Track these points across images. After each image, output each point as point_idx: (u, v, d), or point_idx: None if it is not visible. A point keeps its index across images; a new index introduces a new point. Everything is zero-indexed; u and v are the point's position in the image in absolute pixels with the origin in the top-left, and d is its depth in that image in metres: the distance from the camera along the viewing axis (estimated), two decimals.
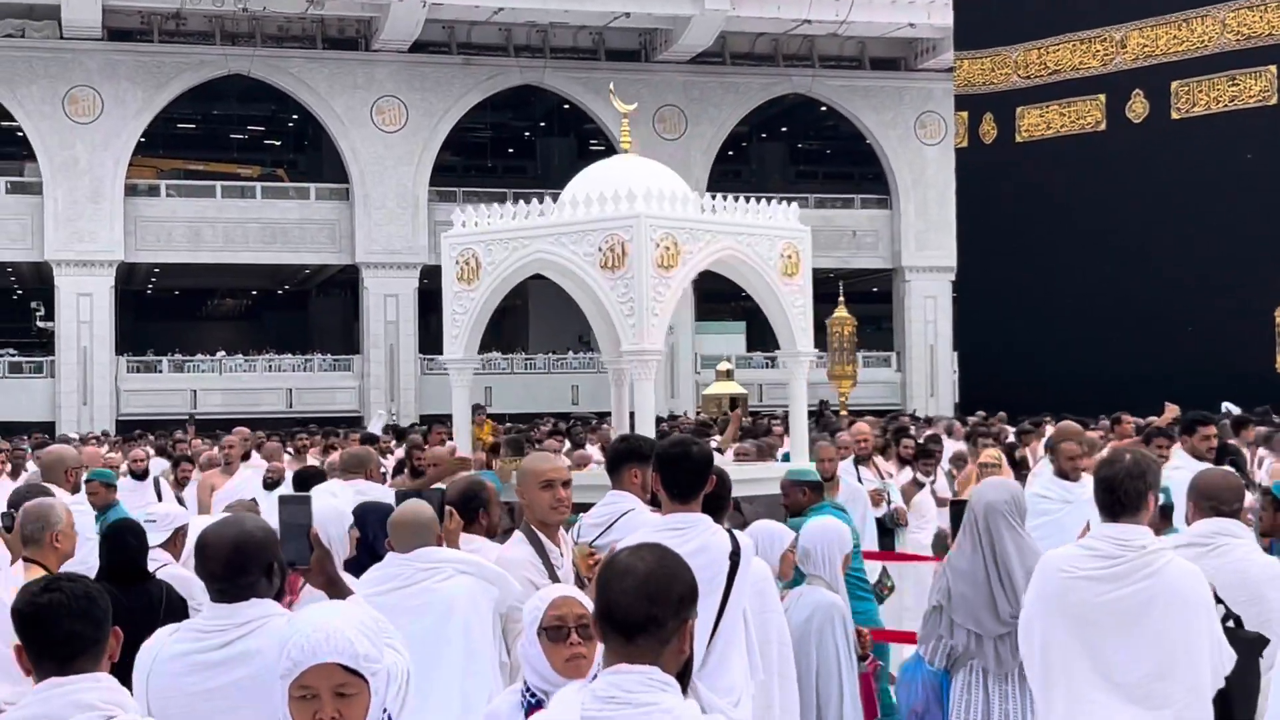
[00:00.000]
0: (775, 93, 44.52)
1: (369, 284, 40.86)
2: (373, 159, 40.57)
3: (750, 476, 8.65)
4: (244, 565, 3.47)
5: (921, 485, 11.48)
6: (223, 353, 42.41)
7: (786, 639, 5.39)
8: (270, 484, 10.86)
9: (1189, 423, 9.15)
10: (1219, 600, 4.75)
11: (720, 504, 5.18)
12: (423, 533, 4.83)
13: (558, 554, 5.22)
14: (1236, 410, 16.31)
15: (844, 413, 24.26)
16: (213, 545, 3.51)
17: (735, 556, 4.67)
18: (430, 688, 4.43)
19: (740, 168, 49.93)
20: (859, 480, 10.76)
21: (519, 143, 49.12)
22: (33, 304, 45.66)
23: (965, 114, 30.37)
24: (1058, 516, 7.81)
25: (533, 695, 3.48)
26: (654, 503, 5.26)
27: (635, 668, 2.65)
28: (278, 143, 48.49)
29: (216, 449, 13.23)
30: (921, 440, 13.05)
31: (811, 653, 5.66)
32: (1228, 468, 7.53)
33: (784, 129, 50.44)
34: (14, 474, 13.38)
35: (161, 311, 49.91)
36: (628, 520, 5.35)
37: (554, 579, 5.07)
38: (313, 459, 14.03)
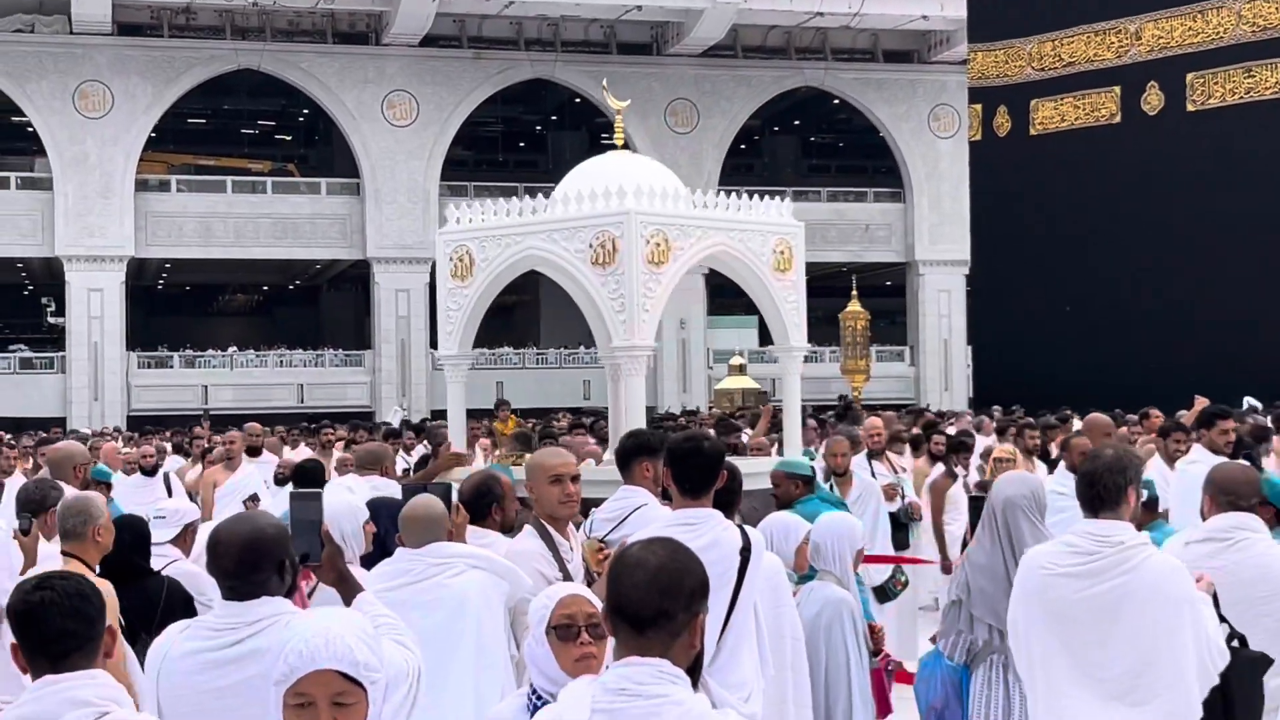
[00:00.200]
0: (787, 86, 44.43)
1: (380, 279, 40.86)
2: (383, 153, 40.56)
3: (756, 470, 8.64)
4: (256, 563, 3.47)
5: (955, 478, 11.42)
6: (234, 348, 42.45)
7: (799, 634, 5.39)
8: (281, 479, 10.82)
9: (1208, 416, 9.10)
10: (1222, 619, 4.72)
11: (731, 499, 5.21)
12: (433, 528, 4.83)
13: (567, 548, 5.23)
14: (1259, 405, 16.22)
15: (858, 406, 24.16)
16: (225, 543, 3.52)
17: (746, 552, 4.67)
18: (443, 683, 4.45)
19: (753, 161, 49.85)
20: (872, 474, 10.72)
21: (530, 137, 49.09)
22: (43, 300, 45.74)
23: (979, 106, 30.25)
24: (1074, 512, 7.74)
25: (539, 698, 3.34)
26: (665, 497, 5.23)
27: (645, 660, 2.65)
28: (288, 137, 48.53)
29: (221, 445, 13.19)
30: (953, 434, 12.99)
31: (821, 648, 5.67)
32: (1243, 461, 7.47)
33: (796, 122, 50.35)
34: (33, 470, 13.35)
35: (172, 307, 49.99)
36: (640, 515, 5.36)
37: (564, 572, 5.06)
38: (338, 454, 14.08)
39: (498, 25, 41.42)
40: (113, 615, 5.01)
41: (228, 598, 3.51)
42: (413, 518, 4.85)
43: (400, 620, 3.90)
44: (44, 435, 21.38)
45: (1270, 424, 12.79)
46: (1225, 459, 7.76)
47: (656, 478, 5.47)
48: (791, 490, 7.27)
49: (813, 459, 9.52)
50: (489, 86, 41.86)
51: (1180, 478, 8.47)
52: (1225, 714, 4.57)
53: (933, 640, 5.79)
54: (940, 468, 11.63)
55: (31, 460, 14.15)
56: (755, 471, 8.24)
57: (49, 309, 44.93)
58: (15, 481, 10.38)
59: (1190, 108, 26.50)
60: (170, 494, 11.36)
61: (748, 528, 4.90)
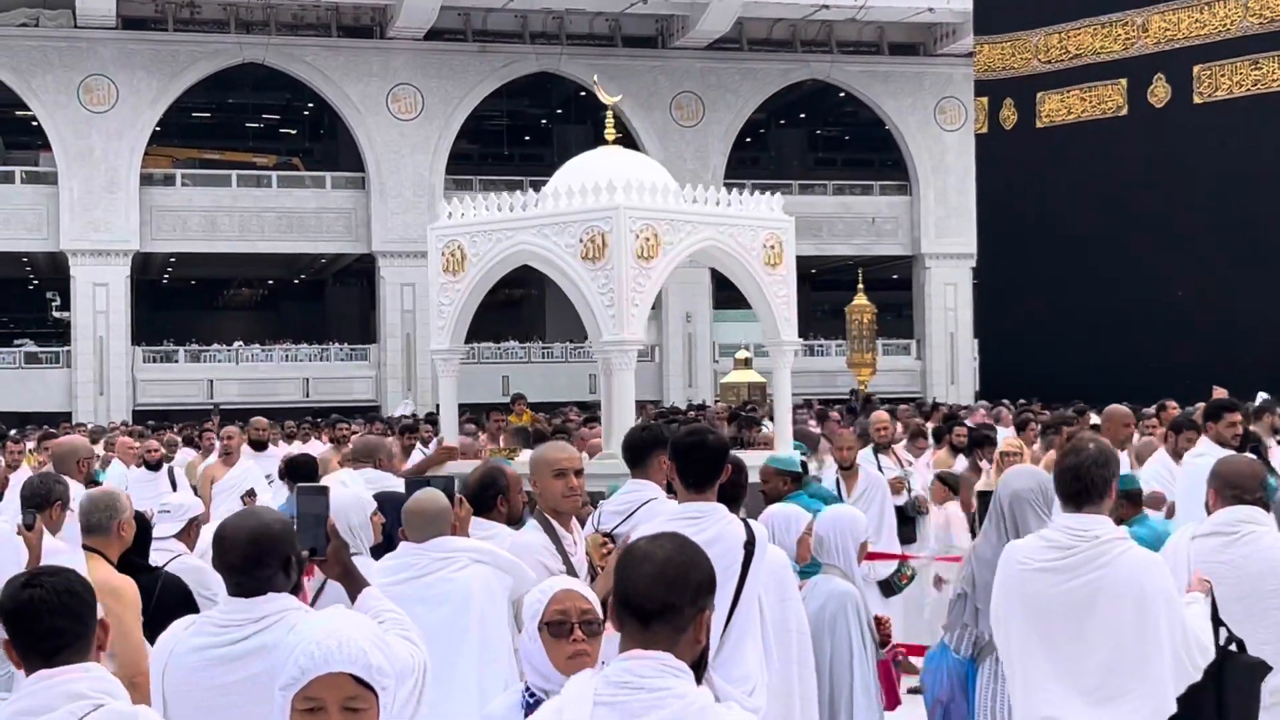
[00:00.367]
0: (793, 79, 44.36)
1: (385, 273, 40.85)
2: (388, 147, 40.54)
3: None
4: (261, 558, 3.47)
5: (980, 472, 11.38)
6: (239, 342, 42.47)
7: (805, 627, 5.39)
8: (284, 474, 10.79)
9: (1215, 409, 9.06)
10: (1220, 622, 4.70)
11: (736, 493, 5.21)
12: (437, 522, 4.83)
13: (570, 541, 5.24)
14: (1271, 399, 16.16)
15: (876, 399, 24.13)
16: (230, 538, 3.51)
17: (750, 546, 4.67)
18: (449, 677, 4.45)
19: (758, 154, 49.80)
20: (879, 468, 10.71)
21: (535, 130, 49.06)
22: (49, 294, 45.78)
23: (985, 99, 30.19)
24: None
25: (532, 695, 3.30)
26: (670, 491, 5.22)
27: (648, 653, 2.65)
28: (293, 131, 48.52)
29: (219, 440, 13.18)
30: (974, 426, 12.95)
31: (825, 641, 5.67)
32: (1249, 455, 7.45)
33: (802, 115, 50.29)
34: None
35: (177, 301, 50.01)
36: (649, 509, 5.36)
37: (568, 565, 5.05)
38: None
39: (503, 18, 41.37)
40: (135, 611, 5.02)
41: (233, 594, 3.51)
42: (416, 512, 4.84)
43: (406, 615, 3.89)
44: (49, 430, 21.38)
45: None
46: (1232, 452, 7.74)
47: None
48: (780, 486, 7.26)
49: (804, 454, 9.52)
50: (494, 80, 41.83)
51: (1187, 471, 8.43)
52: (1218, 717, 4.55)
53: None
54: (963, 461, 11.57)
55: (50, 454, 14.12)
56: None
57: (54, 303, 44.96)
58: (20, 476, 10.39)
59: (1197, 100, 26.43)
60: (175, 488, 11.37)
61: (752, 522, 4.90)
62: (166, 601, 5.24)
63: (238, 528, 3.54)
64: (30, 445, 15.92)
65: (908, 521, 10.95)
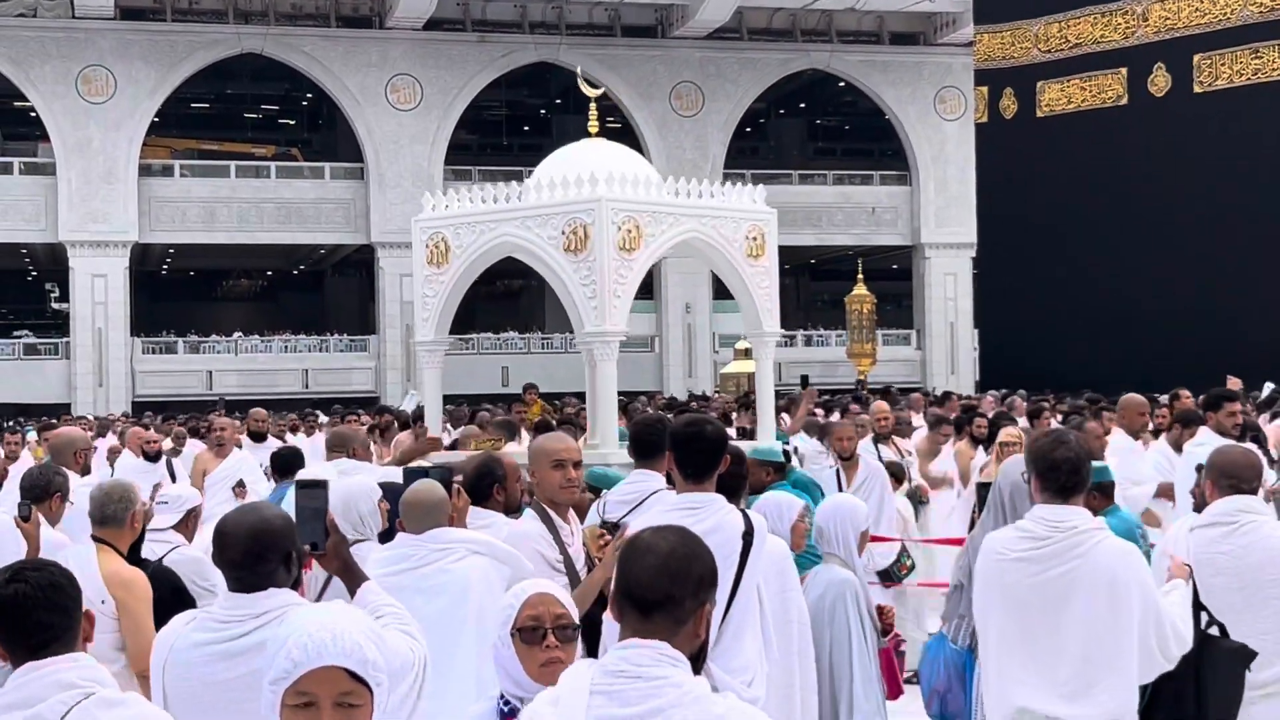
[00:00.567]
0: (793, 68, 44.31)
1: (384, 264, 40.82)
2: (387, 138, 40.50)
3: None
4: (262, 554, 3.46)
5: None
6: (238, 334, 42.46)
7: (806, 618, 5.39)
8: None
9: (1215, 399, 9.06)
10: (1202, 607, 4.72)
11: (737, 484, 5.19)
12: (435, 513, 4.81)
13: (568, 532, 5.23)
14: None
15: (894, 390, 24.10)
16: (231, 534, 3.50)
17: (749, 536, 4.66)
18: (447, 669, 4.43)
19: (758, 144, 49.75)
20: (879, 459, 10.69)
21: (534, 120, 49.00)
22: (47, 285, 45.78)
23: (985, 89, 30.14)
24: None
25: (507, 703, 3.17)
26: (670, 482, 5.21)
27: (646, 642, 2.64)
28: (292, 122, 48.49)
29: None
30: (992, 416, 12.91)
31: (825, 630, 5.66)
32: (1247, 444, 7.44)
33: (802, 105, 50.25)
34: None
35: (176, 292, 50.00)
36: (657, 499, 5.36)
37: (565, 555, 5.04)
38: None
39: (502, 8, 41.32)
40: (146, 603, 5.02)
41: (234, 589, 3.50)
42: (414, 503, 4.83)
43: (405, 609, 3.88)
44: (49, 421, 21.40)
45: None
46: (1233, 442, 7.73)
47: None
48: (762, 477, 7.24)
49: (785, 442, 9.59)
50: (493, 70, 41.77)
51: (1188, 461, 8.42)
52: (1197, 702, 4.55)
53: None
54: (983, 454, 11.52)
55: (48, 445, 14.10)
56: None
57: (53, 295, 44.97)
58: (19, 468, 10.39)
59: (1197, 89, 26.39)
60: (174, 479, 11.35)
61: (751, 512, 4.90)
62: (158, 594, 5.23)
63: (238, 523, 3.52)
64: (33, 437, 15.94)
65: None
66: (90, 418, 27.18)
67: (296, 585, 3.65)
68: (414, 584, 4.58)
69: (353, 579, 4.05)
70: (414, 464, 6.35)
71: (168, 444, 13.63)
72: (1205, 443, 8.12)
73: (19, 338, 41.05)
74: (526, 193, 9.16)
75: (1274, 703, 5.02)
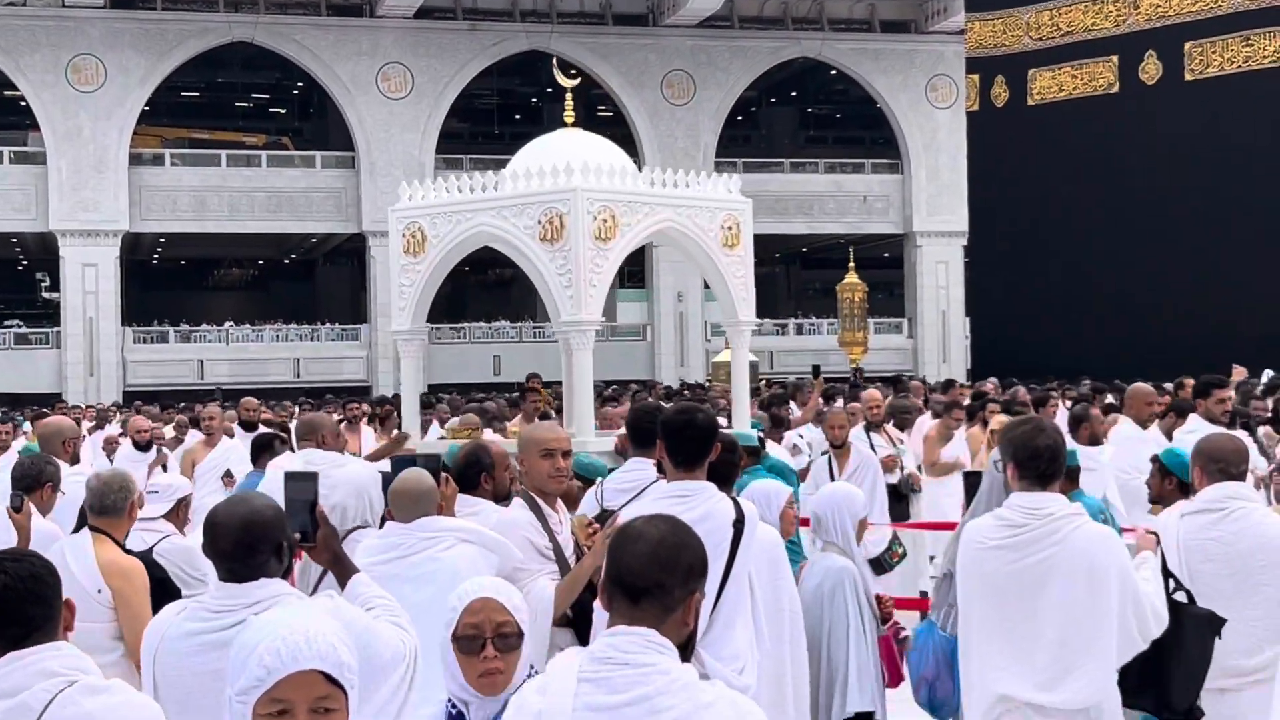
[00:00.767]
0: (784, 56, 44.25)
1: (375, 252, 40.70)
2: (378, 126, 40.41)
3: None
4: (253, 545, 3.46)
5: None
6: (230, 323, 42.38)
7: (797, 606, 5.38)
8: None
9: (1204, 386, 9.06)
10: (1168, 574, 4.76)
11: (729, 472, 5.18)
12: (423, 502, 4.81)
13: (556, 520, 5.22)
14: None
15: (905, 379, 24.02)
16: (222, 525, 3.50)
17: (740, 524, 4.66)
18: (436, 657, 4.36)
19: (750, 133, 49.70)
20: (871, 447, 10.70)
21: (525, 109, 48.91)
22: (38, 275, 45.62)
23: (976, 77, 30.14)
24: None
25: (454, 707, 3.05)
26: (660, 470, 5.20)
27: (634, 630, 2.64)
28: (283, 111, 48.36)
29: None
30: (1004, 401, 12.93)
31: (824, 617, 5.65)
32: (1235, 431, 7.47)
33: (794, 93, 50.19)
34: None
35: (167, 282, 49.90)
36: (655, 488, 5.31)
37: (554, 543, 5.04)
38: (367, 428, 14.21)
39: None
40: (144, 593, 5.01)
41: (225, 579, 3.50)
42: (402, 492, 4.83)
43: (395, 601, 3.88)
44: (41, 411, 21.35)
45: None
46: (1223, 429, 7.75)
47: None
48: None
49: (760, 429, 9.62)
50: (484, 59, 41.68)
51: (1177, 447, 8.43)
52: (1163, 668, 4.57)
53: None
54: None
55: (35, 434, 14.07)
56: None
57: (43, 284, 44.82)
58: (9, 459, 10.35)
59: (1188, 77, 26.41)
60: (165, 469, 11.35)
61: (743, 500, 4.89)
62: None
63: (229, 514, 3.52)
64: (29, 428, 15.90)
65: (900, 499, 10.98)
66: (84, 406, 27.14)
67: (287, 575, 3.65)
68: (403, 572, 4.57)
69: (343, 571, 4.05)
70: (402, 452, 6.35)
71: (169, 432, 13.65)
72: (1195, 430, 8.13)
73: (10, 327, 40.93)
74: (503, 182, 9.20)
75: (1263, 689, 5.03)
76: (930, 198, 44.46)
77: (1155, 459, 6.15)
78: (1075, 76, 28.18)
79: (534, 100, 48.68)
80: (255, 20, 39.65)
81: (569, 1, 41.88)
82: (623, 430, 9.20)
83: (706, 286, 42.55)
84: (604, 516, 5.16)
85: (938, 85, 44.51)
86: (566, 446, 5.32)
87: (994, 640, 4.57)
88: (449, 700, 3.07)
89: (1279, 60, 25.38)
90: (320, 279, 51.59)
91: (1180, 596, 4.74)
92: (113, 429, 16.19)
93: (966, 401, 13.06)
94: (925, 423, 13.04)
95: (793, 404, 14.68)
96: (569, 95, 10.08)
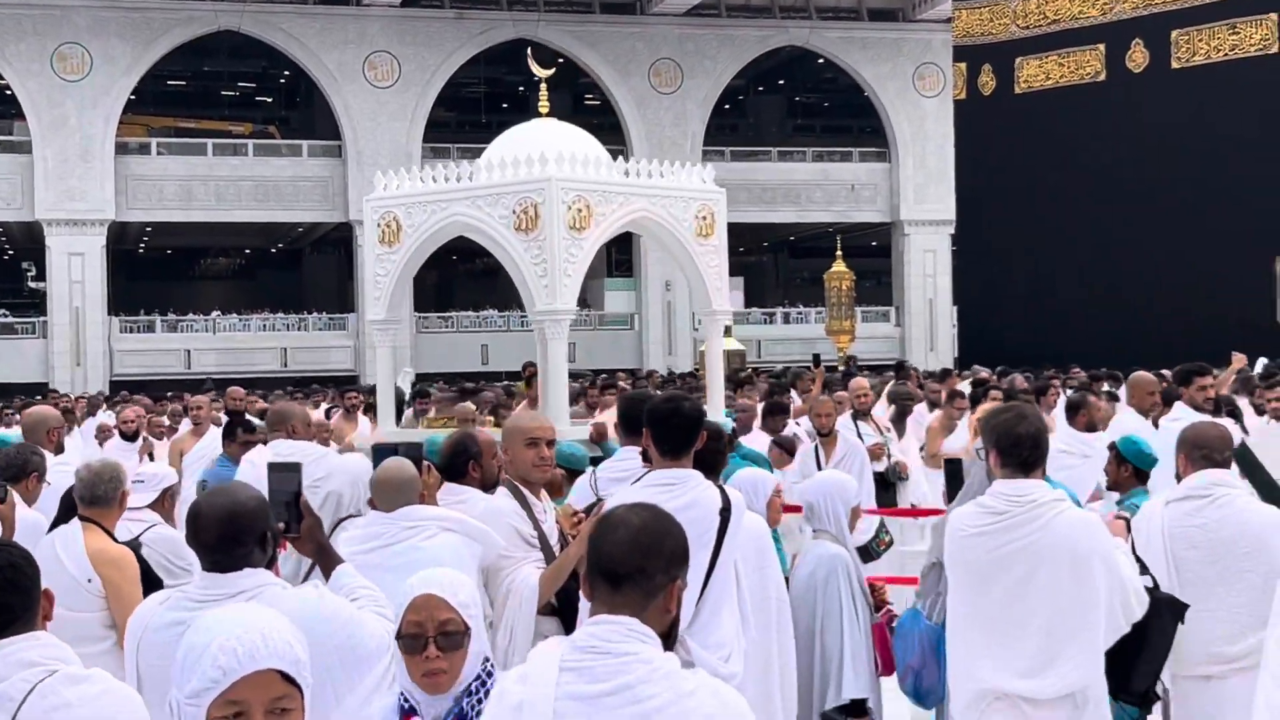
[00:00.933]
0: (772, 45, 44.20)
1: (363, 242, 40.59)
2: (365, 115, 40.30)
3: None
4: (237, 537, 3.46)
5: None
6: (217, 312, 42.28)
7: (784, 595, 5.39)
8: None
9: (1184, 374, 9.05)
10: (1136, 558, 4.78)
11: (715, 460, 5.17)
12: (405, 491, 4.80)
13: (540, 509, 5.22)
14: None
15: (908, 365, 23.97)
16: (205, 516, 3.49)
17: (726, 512, 4.66)
18: None
19: (737, 121, 49.65)
20: (859, 435, 10.71)
21: (513, 98, 48.78)
22: (24, 264, 45.49)
23: (964, 65, 30.16)
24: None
25: (407, 701, 2.98)
26: (646, 459, 5.20)
27: (615, 618, 2.63)
28: (269, 99, 48.16)
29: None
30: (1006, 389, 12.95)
31: (817, 604, 5.66)
32: (1218, 419, 7.48)
33: (781, 82, 50.14)
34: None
35: (154, 271, 49.72)
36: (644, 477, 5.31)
37: (539, 531, 5.03)
38: (364, 418, 14.22)
39: None
40: (135, 581, 5.00)
41: (209, 570, 3.49)
42: (384, 481, 4.82)
43: (380, 591, 3.87)
44: (29, 400, 21.31)
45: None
46: (1206, 417, 7.77)
47: None
48: None
49: (733, 417, 9.68)
50: (471, 47, 41.57)
51: (1163, 435, 8.44)
52: (1125, 652, 4.59)
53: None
54: None
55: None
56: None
57: (29, 273, 44.68)
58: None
59: (1175, 65, 26.44)
60: (152, 459, 11.32)
61: (729, 488, 4.89)
62: None
63: (211, 506, 3.51)
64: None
65: (888, 487, 10.98)
66: (75, 397, 27.06)
67: (271, 565, 3.64)
68: (385, 562, 4.55)
69: (328, 561, 4.05)
70: (383, 441, 6.34)
71: (166, 421, 13.63)
72: (1180, 418, 8.15)
73: None
74: (477, 172, 9.24)
75: (1248, 676, 5.03)
76: (918, 186, 44.48)
77: (1112, 446, 6.19)
78: (1062, 65, 28.20)
79: (521, 89, 48.54)
80: (241, 9, 39.49)
81: None
82: (594, 420, 9.28)
83: None
84: (588, 508, 5.15)
85: (925, 74, 44.50)
86: (551, 435, 5.32)
87: (977, 627, 4.57)
88: (401, 695, 3.00)
89: (1265, 48, 25.42)
90: (307, 268, 51.47)
91: (1146, 581, 4.76)
92: (105, 417, 16.15)
93: (968, 389, 13.07)
94: (922, 412, 13.06)
95: (793, 392, 14.72)
96: (544, 86, 10.17)
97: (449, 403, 12.67)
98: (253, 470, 6.44)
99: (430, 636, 2.95)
